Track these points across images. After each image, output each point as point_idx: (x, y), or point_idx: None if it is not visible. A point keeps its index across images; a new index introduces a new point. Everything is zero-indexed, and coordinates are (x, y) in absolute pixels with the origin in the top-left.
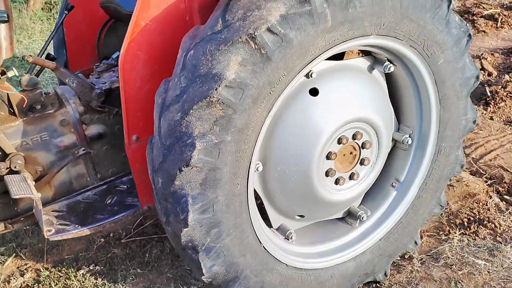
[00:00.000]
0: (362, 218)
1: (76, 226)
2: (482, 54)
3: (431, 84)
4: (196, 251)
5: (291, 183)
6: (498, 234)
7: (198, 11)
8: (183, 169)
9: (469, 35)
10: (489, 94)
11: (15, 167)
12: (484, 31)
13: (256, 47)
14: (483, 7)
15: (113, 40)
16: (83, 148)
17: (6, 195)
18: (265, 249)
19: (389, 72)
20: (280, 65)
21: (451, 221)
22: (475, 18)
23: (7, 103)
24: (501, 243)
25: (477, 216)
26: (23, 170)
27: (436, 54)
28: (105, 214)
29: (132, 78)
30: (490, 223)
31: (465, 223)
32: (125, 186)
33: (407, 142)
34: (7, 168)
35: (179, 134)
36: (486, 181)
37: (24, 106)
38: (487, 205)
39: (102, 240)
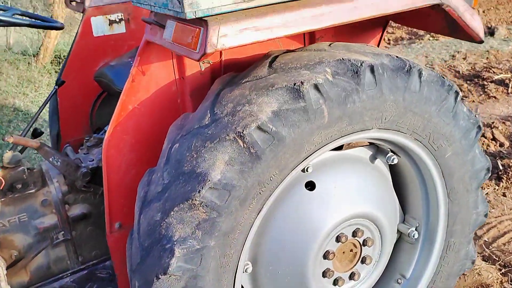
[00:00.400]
0: None
1: None
2: (493, 123)
3: (438, 177)
4: None
5: (285, 284)
6: None
7: (189, 95)
8: (160, 276)
9: (479, 127)
10: (501, 167)
11: None
12: (494, 97)
13: (245, 146)
14: (494, 72)
15: (107, 112)
16: (62, 232)
17: None
18: None
19: (392, 163)
20: (271, 164)
21: None
22: (485, 83)
23: None
24: None
25: None
26: None
27: (443, 147)
28: None
29: (117, 163)
30: None
31: None
32: (107, 273)
33: (413, 236)
34: None
35: (159, 236)
36: (500, 269)
37: (5, 183)
38: None
39: None
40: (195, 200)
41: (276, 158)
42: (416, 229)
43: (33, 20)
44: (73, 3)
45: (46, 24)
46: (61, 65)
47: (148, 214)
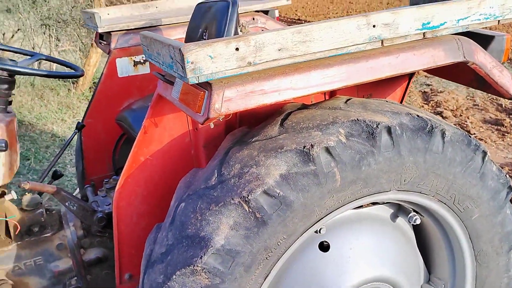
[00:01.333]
0: None
1: None
2: None
3: (465, 238)
4: None
5: None
6: None
7: (203, 146)
8: None
9: (510, 187)
10: None
11: None
12: None
13: (250, 210)
14: None
15: (128, 153)
16: (75, 278)
17: None
18: None
19: (415, 224)
20: (279, 229)
21: None
22: None
23: (3, 227)
24: None
25: None
26: None
27: (470, 209)
28: None
29: (127, 215)
30: None
31: None
32: None
33: None
34: None
35: None
36: None
37: (23, 227)
38: None
39: None
40: (197, 266)
41: (284, 223)
42: None
43: (52, 71)
44: (102, 43)
45: (65, 73)
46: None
47: (151, 276)
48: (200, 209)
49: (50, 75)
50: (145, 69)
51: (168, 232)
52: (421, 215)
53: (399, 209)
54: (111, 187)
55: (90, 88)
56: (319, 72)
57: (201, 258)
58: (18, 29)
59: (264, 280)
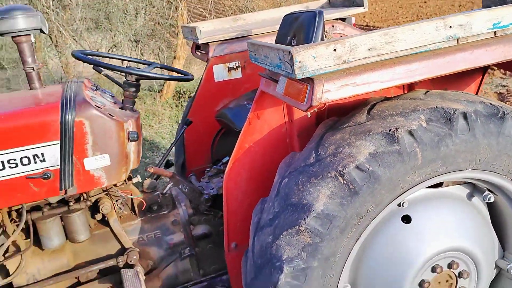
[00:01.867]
0: None
1: None
2: None
3: None
4: None
5: None
6: None
7: (297, 136)
8: None
9: None
10: None
11: (130, 261)
12: None
13: (344, 182)
14: None
15: (225, 146)
16: (188, 248)
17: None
18: None
19: (489, 202)
20: (368, 199)
21: None
22: None
23: (130, 204)
24: None
25: None
26: (137, 264)
27: None
28: None
29: (235, 193)
30: None
31: None
32: (224, 285)
33: None
34: (124, 262)
35: (270, 256)
36: None
37: (144, 206)
38: None
39: None
40: (301, 226)
41: (372, 194)
42: None
43: (170, 74)
44: (198, 53)
45: (181, 77)
46: (180, 99)
47: (261, 238)
48: (301, 182)
49: (169, 79)
50: (237, 74)
51: (274, 202)
52: (495, 194)
53: (475, 189)
54: (213, 174)
55: (173, 96)
56: (402, 67)
57: (304, 220)
58: (114, 45)
59: (355, 243)
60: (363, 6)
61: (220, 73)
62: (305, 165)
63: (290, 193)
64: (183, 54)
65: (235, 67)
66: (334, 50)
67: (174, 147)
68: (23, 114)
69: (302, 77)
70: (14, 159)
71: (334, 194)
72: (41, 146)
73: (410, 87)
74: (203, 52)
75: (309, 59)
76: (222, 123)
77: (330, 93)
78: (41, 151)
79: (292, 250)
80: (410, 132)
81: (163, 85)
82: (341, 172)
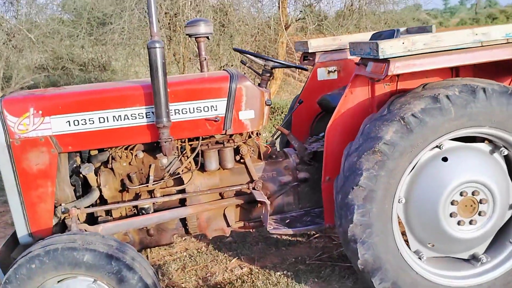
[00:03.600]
0: (483, 261)
1: (285, 228)
2: None
3: None
4: (355, 242)
5: (425, 217)
6: None
7: (376, 106)
8: (353, 188)
9: None
10: None
11: (256, 188)
12: None
13: (404, 123)
14: None
15: (321, 126)
16: (294, 186)
17: (250, 204)
18: (402, 255)
19: (504, 155)
20: (419, 136)
21: None
22: None
23: (257, 152)
24: None
25: None
26: (260, 190)
27: None
28: (302, 225)
29: (332, 140)
30: None
31: None
32: (315, 214)
33: None
34: (252, 187)
35: (354, 168)
36: None
37: (267, 154)
38: None
39: (293, 259)
40: (376, 149)
41: (421, 133)
42: None
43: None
44: (305, 61)
45: (301, 67)
46: (273, 114)
47: (349, 160)
48: (377, 125)
49: (294, 66)
50: (334, 76)
51: (359, 138)
52: (508, 150)
53: (495, 147)
54: (312, 141)
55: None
56: (445, 57)
57: (378, 145)
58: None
59: (409, 164)
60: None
61: (322, 74)
62: (381, 116)
63: (370, 131)
64: (280, 76)
65: (333, 70)
66: (403, 43)
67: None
68: (208, 81)
69: (383, 57)
70: (200, 107)
71: (397, 130)
72: (216, 100)
73: (458, 75)
74: (310, 59)
75: (387, 47)
76: (321, 105)
77: (399, 68)
78: (215, 104)
79: (369, 163)
80: (448, 97)
81: None
82: (403, 117)
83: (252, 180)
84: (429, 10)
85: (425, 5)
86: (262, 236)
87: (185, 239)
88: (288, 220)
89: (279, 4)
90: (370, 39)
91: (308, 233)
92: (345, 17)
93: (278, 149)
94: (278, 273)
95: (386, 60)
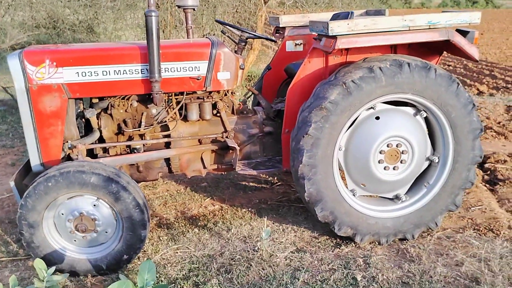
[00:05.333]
0: (403, 200)
1: (250, 170)
2: None
3: (449, 127)
4: (303, 179)
5: (359, 162)
6: None
7: (328, 73)
8: (303, 136)
9: (473, 104)
10: None
11: (228, 137)
12: None
13: (345, 87)
14: None
15: (286, 90)
16: (260, 137)
17: (223, 150)
18: (339, 191)
19: (424, 117)
20: (356, 98)
21: None
22: None
23: (231, 108)
24: None
25: None
26: (231, 139)
27: (450, 111)
28: (264, 168)
29: (291, 101)
30: None
31: None
32: (276, 160)
33: (435, 161)
34: (226, 136)
35: (305, 121)
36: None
37: (239, 110)
38: None
39: (257, 201)
40: (322, 106)
41: (358, 95)
42: (438, 158)
43: (265, 35)
44: (277, 35)
45: (269, 38)
46: (250, 82)
47: (303, 114)
48: (325, 88)
49: (264, 38)
50: (300, 48)
51: (311, 98)
52: (426, 113)
53: (417, 110)
54: (278, 102)
55: (246, 78)
56: (381, 36)
57: (324, 102)
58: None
59: (348, 120)
60: (384, 15)
61: (290, 46)
62: (329, 81)
63: (319, 93)
64: (258, 47)
65: (299, 43)
66: (348, 24)
67: (256, 85)
68: (193, 46)
69: (332, 34)
70: (185, 67)
71: (340, 93)
72: (199, 62)
73: (395, 51)
74: (281, 32)
75: (335, 27)
76: (287, 72)
77: (344, 44)
78: (198, 65)
79: (316, 117)
80: (380, 68)
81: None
82: (344, 83)
83: (225, 131)
84: None
85: None
86: (233, 182)
87: (166, 182)
88: (253, 164)
89: None
90: (330, 19)
91: (272, 181)
92: None
93: (248, 107)
94: (244, 210)
95: (334, 37)
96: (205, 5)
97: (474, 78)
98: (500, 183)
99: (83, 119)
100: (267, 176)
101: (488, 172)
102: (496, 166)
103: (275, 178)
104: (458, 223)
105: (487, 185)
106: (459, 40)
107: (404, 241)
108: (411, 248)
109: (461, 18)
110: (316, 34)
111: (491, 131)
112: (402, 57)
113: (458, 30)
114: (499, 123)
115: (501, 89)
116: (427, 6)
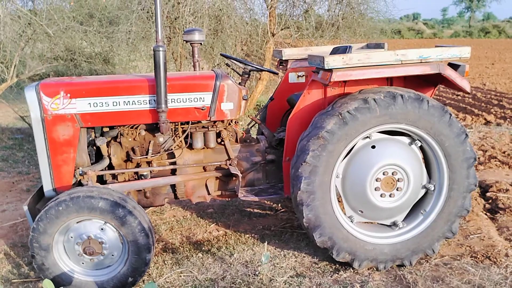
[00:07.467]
0: (400, 226)
1: (253, 196)
2: None
3: (443, 156)
4: (302, 205)
5: (356, 189)
6: None
7: (327, 103)
8: (302, 164)
9: (466, 134)
10: None
11: (232, 164)
12: None
13: (341, 118)
14: None
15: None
16: (262, 165)
17: (227, 177)
18: (336, 217)
19: (419, 146)
20: (352, 128)
21: None
22: None
23: (235, 136)
24: None
25: None
26: (235, 167)
27: (444, 140)
28: (266, 195)
29: (292, 130)
30: None
31: None
32: (278, 187)
33: (432, 189)
34: (229, 163)
35: (304, 149)
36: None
37: (242, 139)
38: None
39: (261, 227)
40: (319, 135)
41: (354, 125)
42: (434, 186)
43: (269, 68)
44: (281, 67)
45: (273, 71)
46: (258, 109)
47: (302, 142)
48: (323, 118)
49: (268, 70)
50: (302, 80)
51: (310, 128)
52: (421, 142)
53: (412, 139)
54: (280, 131)
55: (254, 108)
56: (374, 70)
57: (321, 132)
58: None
59: (345, 148)
60: (383, 49)
61: (292, 78)
62: (326, 111)
63: (317, 122)
64: (266, 77)
65: (301, 75)
66: (342, 58)
67: (261, 116)
68: (199, 78)
69: (328, 68)
70: (191, 98)
71: (336, 122)
72: (203, 93)
73: (391, 84)
74: (284, 65)
75: (330, 61)
76: (289, 102)
77: (339, 77)
78: (203, 96)
79: (314, 146)
80: (374, 100)
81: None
82: (341, 113)
83: (229, 158)
84: (428, 20)
85: (424, 14)
86: (238, 209)
87: (173, 208)
88: (256, 191)
89: (269, 13)
90: (330, 52)
91: (276, 207)
92: (323, 29)
93: (252, 135)
94: (247, 235)
95: (330, 70)
96: (214, 39)
97: (482, 108)
98: (500, 211)
99: (94, 147)
100: (272, 203)
101: (490, 201)
102: (498, 195)
103: (279, 204)
104: (457, 250)
105: (488, 214)
106: (449, 73)
107: (402, 267)
108: (408, 274)
109: (452, 52)
110: (315, 67)
111: (495, 160)
112: (396, 89)
113: (450, 64)
114: (504, 152)
115: (508, 119)
116: (439, 37)
